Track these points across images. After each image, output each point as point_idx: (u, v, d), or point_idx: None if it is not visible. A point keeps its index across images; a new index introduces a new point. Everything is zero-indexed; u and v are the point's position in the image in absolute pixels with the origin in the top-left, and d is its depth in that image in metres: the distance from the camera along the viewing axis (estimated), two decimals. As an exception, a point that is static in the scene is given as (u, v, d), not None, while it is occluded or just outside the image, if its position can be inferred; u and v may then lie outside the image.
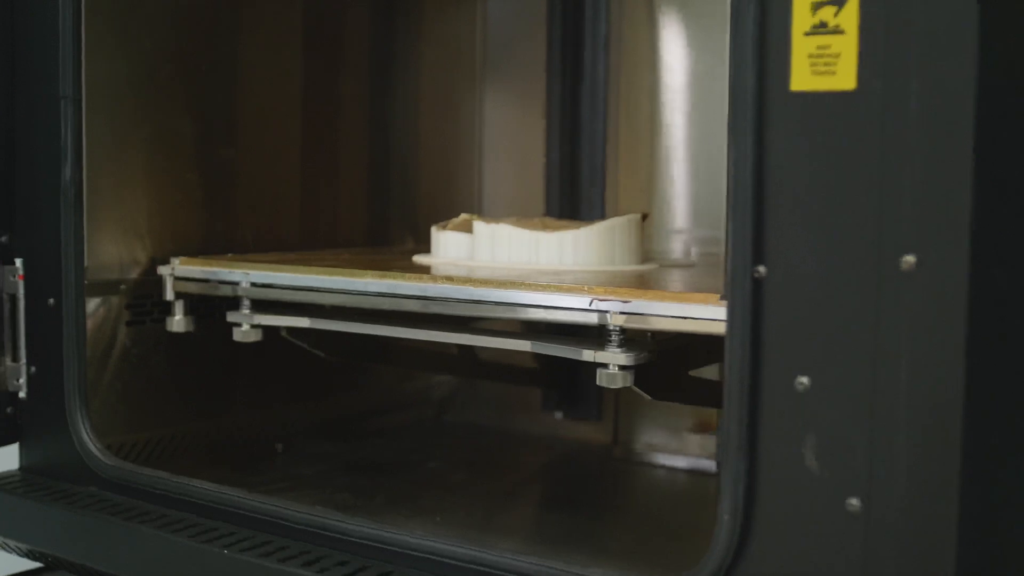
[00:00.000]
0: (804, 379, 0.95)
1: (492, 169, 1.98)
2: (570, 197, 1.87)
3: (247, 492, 1.34)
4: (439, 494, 1.52)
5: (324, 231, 1.75)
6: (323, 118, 1.73)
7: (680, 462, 1.65)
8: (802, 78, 0.95)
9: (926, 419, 0.91)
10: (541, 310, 1.18)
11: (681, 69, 1.69)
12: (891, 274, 0.91)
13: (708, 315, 1.08)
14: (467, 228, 1.46)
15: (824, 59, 0.94)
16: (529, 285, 1.18)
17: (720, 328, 1.07)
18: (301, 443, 1.73)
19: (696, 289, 1.15)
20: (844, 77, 0.93)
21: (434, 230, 1.50)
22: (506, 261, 1.39)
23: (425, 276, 1.26)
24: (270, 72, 1.64)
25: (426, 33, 1.90)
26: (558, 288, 1.16)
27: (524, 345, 1.24)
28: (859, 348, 0.93)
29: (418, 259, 1.50)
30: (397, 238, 1.86)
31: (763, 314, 0.97)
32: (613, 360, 1.14)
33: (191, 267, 1.45)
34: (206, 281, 1.44)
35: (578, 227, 1.41)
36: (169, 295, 1.46)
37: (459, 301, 1.22)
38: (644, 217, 1.42)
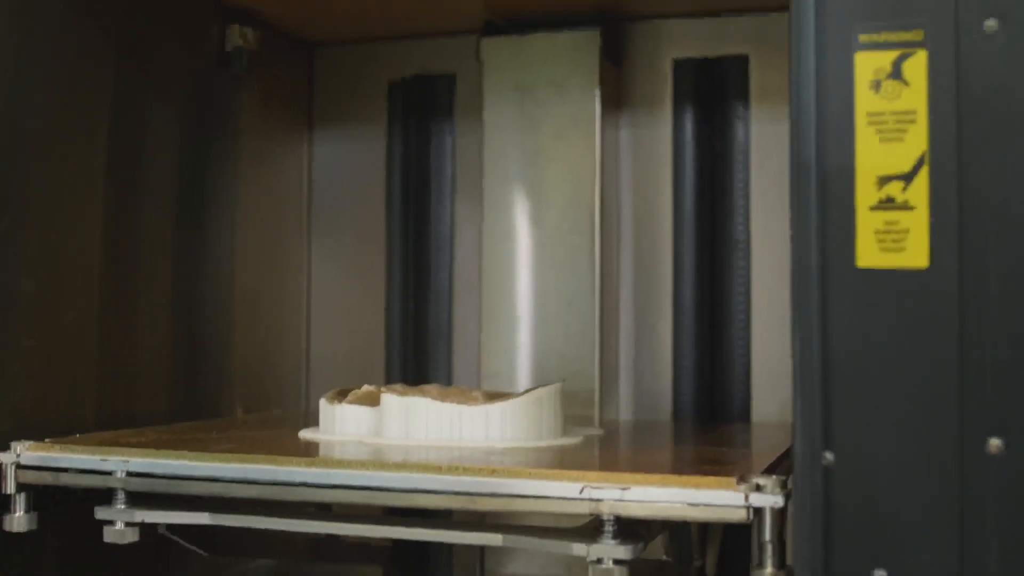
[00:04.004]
0: (881, 573, 0.89)
1: (323, 327, 1.83)
2: (415, 357, 1.75)
3: None
4: None
5: (133, 403, 1.52)
6: (128, 270, 1.51)
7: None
8: (869, 255, 0.91)
9: (1019, 611, 0.87)
10: (519, 500, 1.06)
11: (534, 218, 1.63)
12: (976, 458, 0.88)
13: (727, 501, 1.00)
14: (369, 401, 1.31)
15: (892, 235, 0.90)
16: (511, 471, 1.06)
17: (740, 515, 1.01)
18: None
19: (650, 464, 1.08)
20: (915, 254, 0.90)
21: (324, 403, 1.35)
22: (423, 438, 1.26)
23: (370, 463, 1.11)
24: (69, 212, 1.41)
25: (246, 177, 1.73)
26: (546, 475, 1.05)
27: (495, 539, 1.11)
28: (942, 537, 0.88)
29: (306, 435, 1.34)
30: (226, 407, 1.67)
31: (834, 505, 0.91)
32: (610, 554, 1.04)
33: (44, 454, 1.22)
34: (63, 471, 1.21)
35: (485, 397, 1.31)
36: (10, 488, 1.22)
37: (423, 492, 1.08)
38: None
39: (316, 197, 1.85)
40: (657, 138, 1.68)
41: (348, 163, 1.84)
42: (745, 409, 1.61)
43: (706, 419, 1.63)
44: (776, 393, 1.59)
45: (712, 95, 1.66)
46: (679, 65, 1.67)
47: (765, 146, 1.62)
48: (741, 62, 1.64)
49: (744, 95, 1.64)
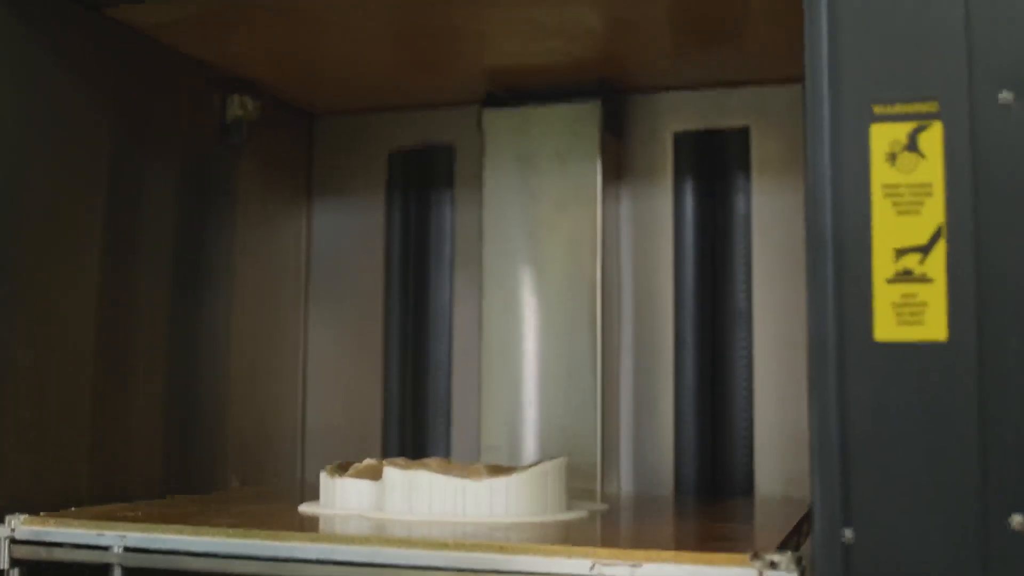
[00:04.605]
0: (903, 653, 0.87)
1: (319, 399, 1.81)
2: (413, 430, 1.73)
3: None
4: None
5: (129, 476, 1.48)
6: (124, 340, 1.49)
7: None
8: (887, 328, 0.90)
9: None
10: (528, 576, 1.04)
11: (534, 290, 1.62)
12: (999, 535, 0.86)
13: (741, 578, 0.99)
14: (370, 474, 1.29)
15: (910, 308, 0.89)
16: (521, 548, 1.04)
17: (754, 592, 0.99)
18: None
19: (659, 540, 1.08)
20: (934, 327, 0.89)
21: (324, 476, 1.32)
22: (426, 513, 1.24)
23: (375, 538, 1.09)
24: (65, 282, 1.39)
25: (244, 247, 1.72)
26: (556, 551, 1.03)
27: (503, 616, 1.08)
28: (965, 617, 0.86)
29: (305, 509, 1.31)
30: (221, 480, 1.64)
31: (854, 583, 0.89)
32: (623, 633, 1.01)
33: (40, 528, 1.19)
34: (59, 545, 1.18)
35: (488, 471, 1.29)
36: (4, 563, 1.19)
37: (429, 569, 1.05)
38: (564, 458, 1.32)
39: (314, 267, 1.84)
40: (658, 210, 1.67)
41: (347, 233, 1.83)
42: (748, 483, 1.59)
43: (708, 493, 1.60)
44: (780, 467, 1.57)
45: (713, 167, 1.66)
46: (680, 137, 1.68)
47: (766, 218, 1.62)
48: (742, 134, 1.65)
49: (745, 167, 1.64)
